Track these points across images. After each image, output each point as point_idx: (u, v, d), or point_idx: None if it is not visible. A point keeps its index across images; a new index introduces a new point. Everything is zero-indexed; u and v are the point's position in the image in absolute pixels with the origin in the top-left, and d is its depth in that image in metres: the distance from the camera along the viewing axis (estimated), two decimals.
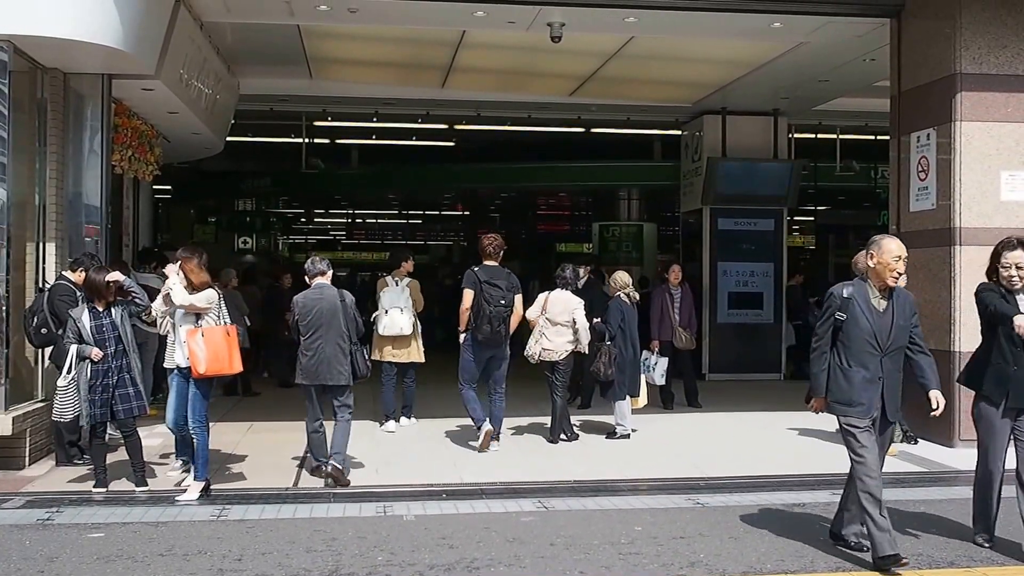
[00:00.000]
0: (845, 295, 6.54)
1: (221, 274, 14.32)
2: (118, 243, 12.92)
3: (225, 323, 8.34)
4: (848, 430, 6.58)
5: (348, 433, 8.94)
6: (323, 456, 8.88)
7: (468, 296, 10.27)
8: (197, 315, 8.23)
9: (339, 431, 8.87)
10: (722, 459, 10.07)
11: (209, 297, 8.28)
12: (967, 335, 10.32)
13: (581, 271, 12.45)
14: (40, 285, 9.58)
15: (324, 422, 8.99)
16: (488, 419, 10.36)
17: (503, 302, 10.17)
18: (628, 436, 11.07)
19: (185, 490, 8.26)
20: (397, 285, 11.47)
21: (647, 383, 11.97)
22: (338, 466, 8.74)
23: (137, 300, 8.45)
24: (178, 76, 11.46)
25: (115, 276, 8.45)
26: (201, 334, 8.11)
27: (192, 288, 8.25)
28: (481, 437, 10.26)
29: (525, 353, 10.95)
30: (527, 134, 21.67)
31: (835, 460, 9.86)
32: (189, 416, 8.29)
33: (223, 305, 8.46)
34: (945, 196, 10.65)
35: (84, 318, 8.30)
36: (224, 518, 7.61)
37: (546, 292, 11.02)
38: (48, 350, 9.42)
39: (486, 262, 10.47)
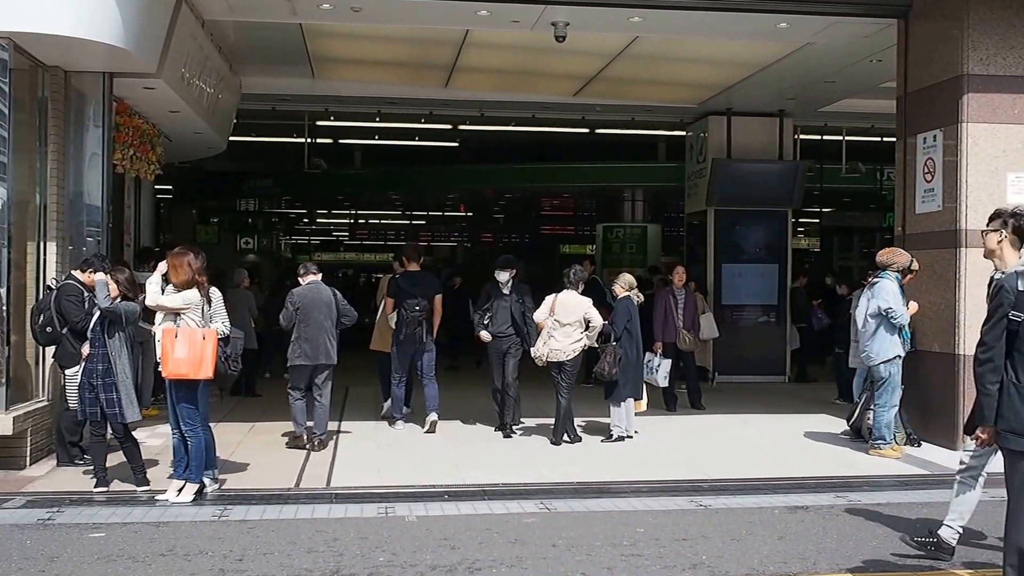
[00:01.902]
0: (1021, 288, 5.34)
1: (234, 274, 14.30)
2: (119, 243, 12.88)
3: (206, 326, 8.16)
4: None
5: (326, 414, 10.62)
6: (302, 421, 10.52)
7: (389, 303, 11.95)
8: (176, 314, 8.09)
9: (319, 414, 10.52)
10: (725, 461, 10.03)
11: (186, 298, 8.09)
12: (972, 337, 10.10)
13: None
14: (48, 284, 9.52)
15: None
16: (403, 405, 12.02)
17: (417, 308, 11.46)
18: (623, 439, 11.03)
19: (180, 491, 8.19)
20: None
21: (650, 384, 11.94)
22: (322, 439, 10.48)
23: (95, 300, 8.33)
24: (180, 75, 11.41)
25: (96, 277, 8.42)
26: (175, 335, 7.98)
27: (175, 287, 8.14)
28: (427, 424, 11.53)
29: (533, 354, 10.94)
30: (531, 134, 21.63)
31: (838, 463, 9.99)
32: (181, 421, 8.19)
33: (207, 308, 8.26)
34: (951, 198, 10.60)
35: (95, 315, 8.35)
36: (225, 518, 7.58)
37: (553, 294, 10.99)
38: (51, 349, 9.40)
39: (408, 268, 11.96)
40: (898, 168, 11.76)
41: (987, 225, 6.06)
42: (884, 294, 10.07)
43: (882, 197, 22.71)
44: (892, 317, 10.00)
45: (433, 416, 11.45)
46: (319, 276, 10.76)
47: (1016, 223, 5.90)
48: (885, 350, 10.10)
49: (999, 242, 5.96)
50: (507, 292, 11.44)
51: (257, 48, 13.74)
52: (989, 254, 6.04)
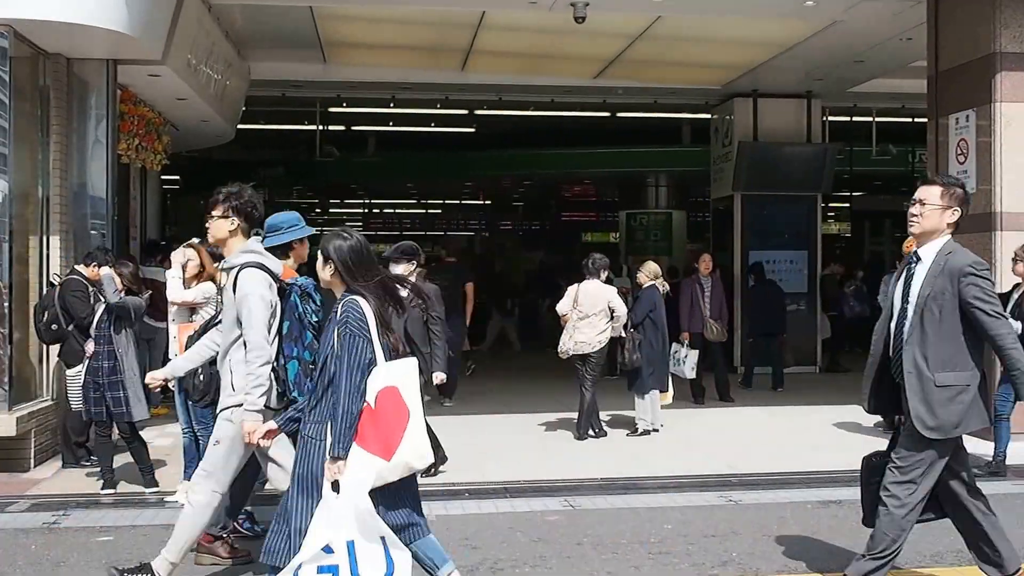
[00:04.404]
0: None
1: None
2: (125, 236, 12.77)
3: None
4: None
5: None
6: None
7: None
8: (192, 310, 7.93)
9: None
10: (755, 455, 9.91)
11: (205, 291, 7.92)
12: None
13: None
14: (52, 280, 9.44)
15: None
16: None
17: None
18: (649, 432, 10.88)
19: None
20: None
21: (677, 377, 11.79)
22: None
23: (104, 296, 8.19)
24: (186, 61, 11.33)
25: (102, 272, 8.29)
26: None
27: (201, 278, 7.97)
28: None
29: (559, 350, 10.78)
30: (550, 119, 21.47)
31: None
32: (194, 420, 7.94)
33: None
34: (985, 180, 10.43)
35: (98, 312, 8.24)
36: None
37: (575, 285, 10.82)
38: (55, 347, 9.27)
39: (445, 260, 14.23)
40: (930, 150, 11.58)
41: (212, 211, 5.69)
42: None
43: (914, 180, 22.38)
44: None
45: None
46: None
47: (240, 204, 5.68)
48: None
49: (231, 231, 5.69)
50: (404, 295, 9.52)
51: (266, 33, 13.60)
52: (220, 243, 5.74)
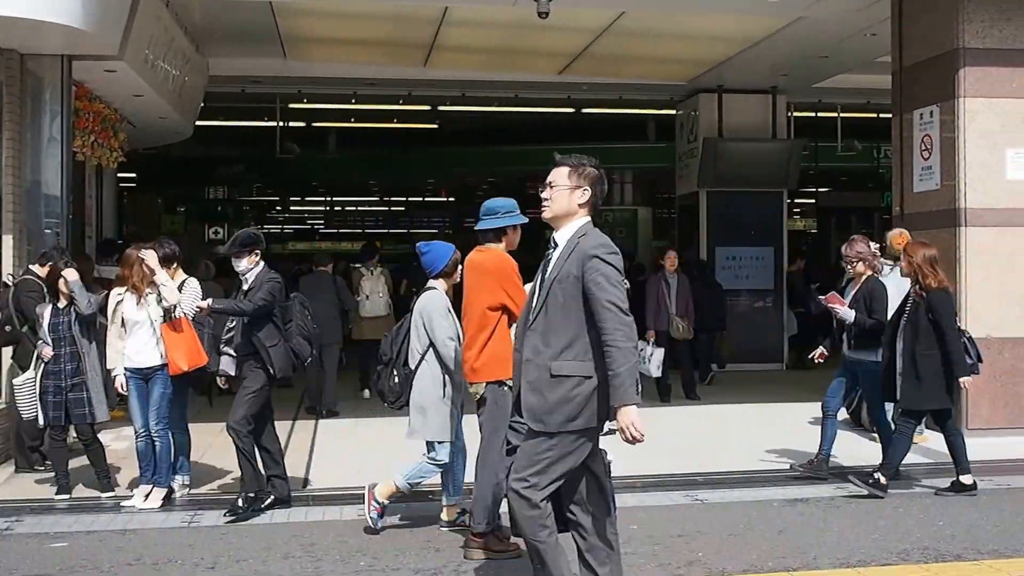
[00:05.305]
0: None
1: (200, 267, 14.05)
2: (80, 235, 12.60)
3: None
4: None
5: (330, 386, 12.42)
6: (316, 402, 12.20)
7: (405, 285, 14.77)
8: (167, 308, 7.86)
9: (325, 386, 12.34)
10: (722, 453, 9.84)
11: (186, 287, 8.04)
12: (973, 319, 10.09)
13: None
14: (4, 280, 9.29)
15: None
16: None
17: (413, 289, 12.90)
18: (614, 432, 10.68)
19: (147, 496, 7.91)
20: (372, 274, 13.44)
21: (643, 375, 11.69)
22: (330, 408, 12.24)
23: (76, 304, 8.03)
24: (143, 57, 11.17)
25: (68, 274, 8.07)
26: (180, 328, 7.77)
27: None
28: None
29: None
30: (514, 115, 21.36)
31: (838, 453, 9.67)
32: (152, 419, 7.90)
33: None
34: (949, 176, 10.46)
35: (46, 314, 8.08)
36: (196, 524, 7.41)
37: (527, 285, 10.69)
38: (9, 350, 9.12)
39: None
40: (895, 146, 11.60)
41: None
42: None
43: (880, 175, 22.56)
44: None
45: None
46: (329, 267, 12.82)
47: None
48: None
49: None
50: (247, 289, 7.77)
51: (225, 28, 13.45)
52: None
